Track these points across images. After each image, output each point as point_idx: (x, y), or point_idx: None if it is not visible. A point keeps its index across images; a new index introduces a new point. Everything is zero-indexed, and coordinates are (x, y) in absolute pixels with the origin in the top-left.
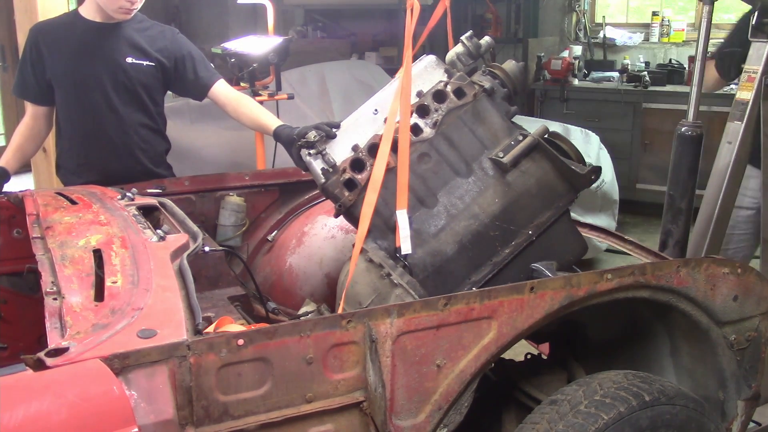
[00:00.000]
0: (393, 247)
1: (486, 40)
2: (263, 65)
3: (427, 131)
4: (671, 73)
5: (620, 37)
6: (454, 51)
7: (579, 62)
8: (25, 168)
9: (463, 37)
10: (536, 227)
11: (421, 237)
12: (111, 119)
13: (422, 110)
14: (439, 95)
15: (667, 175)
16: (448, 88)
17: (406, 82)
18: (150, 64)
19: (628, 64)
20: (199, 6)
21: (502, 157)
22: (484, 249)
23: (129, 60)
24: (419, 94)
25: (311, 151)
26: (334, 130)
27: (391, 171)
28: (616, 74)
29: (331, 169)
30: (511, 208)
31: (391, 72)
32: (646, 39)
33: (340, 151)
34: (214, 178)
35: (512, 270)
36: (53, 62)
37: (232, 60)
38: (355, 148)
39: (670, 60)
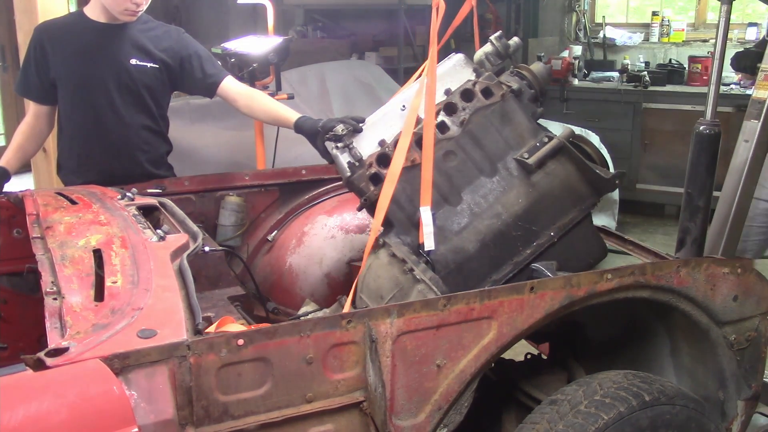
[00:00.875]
0: (416, 243)
1: (515, 40)
2: (263, 65)
3: (454, 129)
4: (671, 73)
5: (620, 37)
6: (483, 50)
7: (579, 62)
8: (25, 168)
9: (492, 37)
10: (558, 229)
11: (444, 234)
12: (113, 120)
13: (449, 108)
14: (466, 94)
15: (666, 175)
16: (476, 88)
17: (431, 79)
18: (154, 66)
19: (628, 64)
20: (199, 6)
21: (527, 158)
22: (505, 248)
23: (133, 62)
24: (447, 92)
25: (338, 145)
26: (360, 124)
27: (416, 167)
28: (616, 74)
29: (357, 163)
30: (534, 208)
31: (391, 72)
32: (646, 39)
33: (366, 146)
34: (214, 178)
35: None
36: (57, 62)
37: (232, 60)
38: (381, 143)
39: (670, 60)
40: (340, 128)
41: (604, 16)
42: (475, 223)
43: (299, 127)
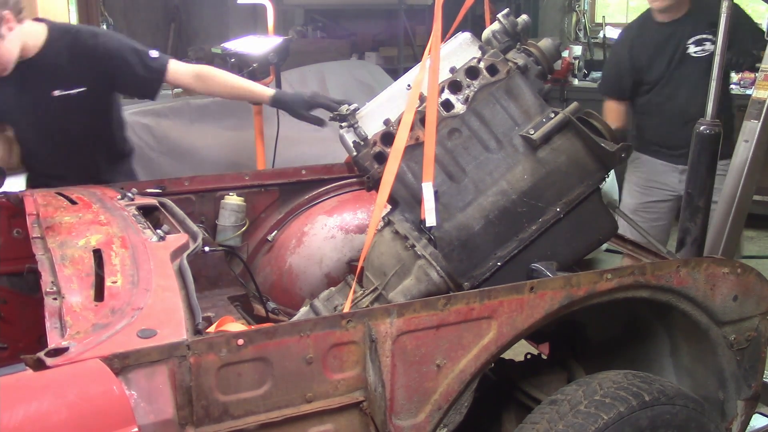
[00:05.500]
0: (420, 219)
1: (523, 18)
2: (263, 65)
3: (459, 107)
4: None
5: None
6: (490, 29)
7: (579, 62)
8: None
9: (499, 15)
10: (565, 205)
11: (448, 211)
12: (58, 150)
13: (454, 86)
14: (471, 71)
15: None
16: (481, 65)
17: (434, 55)
18: (80, 90)
19: None
20: (199, 6)
21: (532, 134)
22: (510, 225)
23: (56, 93)
24: (452, 71)
25: (343, 124)
26: (344, 106)
27: (420, 145)
28: None
29: (362, 142)
30: (540, 184)
31: (391, 72)
32: None
33: (372, 126)
34: (214, 178)
35: (539, 247)
36: None
37: (232, 60)
38: (386, 122)
39: None
40: (344, 108)
41: (604, 16)
42: (480, 200)
43: (278, 101)
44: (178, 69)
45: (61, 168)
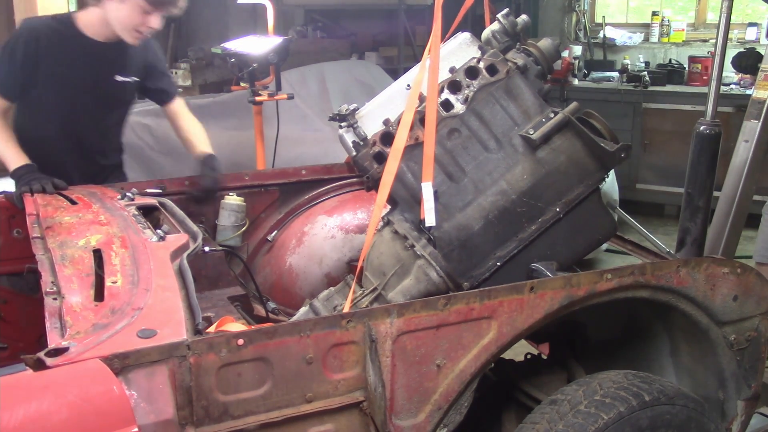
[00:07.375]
0: (419, 219)
1: (522, 18)
2: (263, 65)
3: (458, 107)
4: (671, 73)
5: (620, 37)
6: (490, 29)
7: (579, 62)
8: None
9: (499, 15)
10: (564, 205)
11: (448, 211)
12: (88, 129)
13: (454, 86)
14: (471, 71)
15: (666, 175)
16: (481, 65)
17: (434, 55)
18: (135, 80)
19: (628, 64)
20: (199, 6)
21: (532, 134)
22: (510, 225)
23: (118, 78)
24: (452, 71)
25: (343, 124)
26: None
27: (419, 146)
28: (616, 74)
29: (361, 142)
30: (539, 184)
31: (391, 72)
32: (646, 39)
33: (371, 126)
34: None
35: (538, 247)
36: (46, 69)
37: (232, 60)
38: (386, 122)
39: (670, 60)
40: (344, 108)
41: (604, 16)
42: (480, 200)
43: (197, 158)
44: (179, 107)
45: (77, 154)
